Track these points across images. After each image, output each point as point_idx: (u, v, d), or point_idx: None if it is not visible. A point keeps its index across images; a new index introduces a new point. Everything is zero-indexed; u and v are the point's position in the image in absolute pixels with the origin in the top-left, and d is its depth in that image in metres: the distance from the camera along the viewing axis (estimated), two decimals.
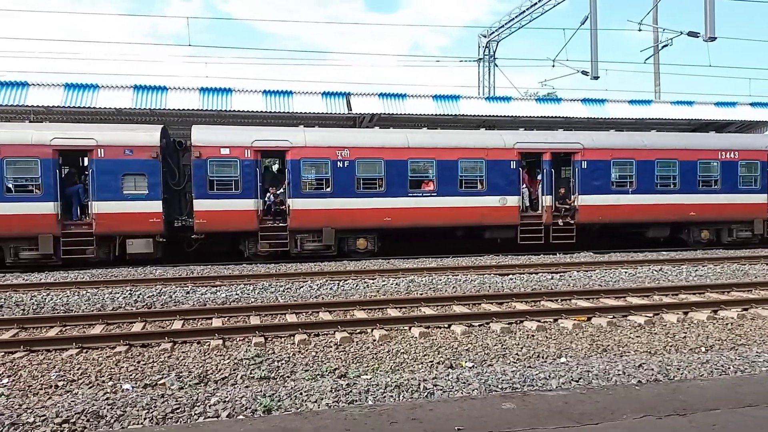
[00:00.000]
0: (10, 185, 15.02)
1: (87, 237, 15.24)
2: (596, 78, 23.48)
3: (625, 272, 13.55)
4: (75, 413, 5.11)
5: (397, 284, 12.04)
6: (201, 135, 16.12)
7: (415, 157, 17.17)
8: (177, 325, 8.87)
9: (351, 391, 5.65)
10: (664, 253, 17.66)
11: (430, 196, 17.14)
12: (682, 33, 22.38)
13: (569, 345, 7.78)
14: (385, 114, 20.45)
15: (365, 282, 12.29)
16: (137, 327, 8.73)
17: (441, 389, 5.74)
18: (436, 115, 21.04)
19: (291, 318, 9.23)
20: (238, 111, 19.49)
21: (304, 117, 20.13)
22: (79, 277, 13.27)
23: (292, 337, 8.05)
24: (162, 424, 4.96)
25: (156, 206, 15.55)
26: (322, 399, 5.48)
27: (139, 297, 10.85)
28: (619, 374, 6.21)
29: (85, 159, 16.12)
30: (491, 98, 23.20)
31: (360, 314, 9.43)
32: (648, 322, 8.94)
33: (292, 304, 9.98)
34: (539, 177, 18.13)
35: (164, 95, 19.38)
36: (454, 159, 17.27)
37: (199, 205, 15.79)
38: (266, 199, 16.70)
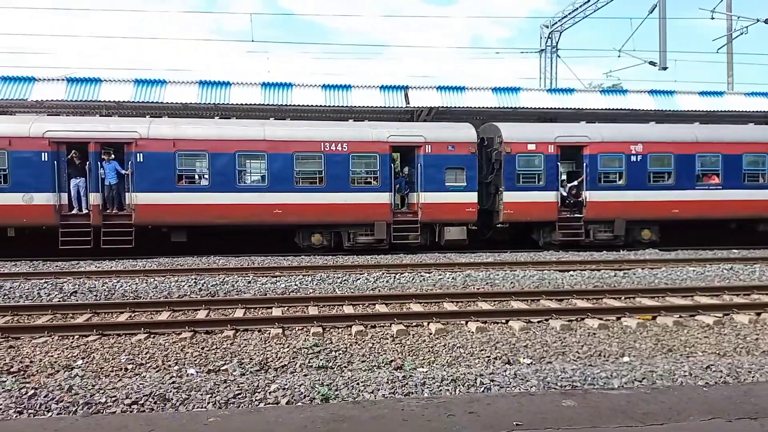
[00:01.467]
0: (355, 177, 16.68)
1: (412, 224, 16.80)
2: (665, 69, 22.64)
3: (693, 270, 13.01)
4: (143, 395, 5.35)
5: (453, 278, 11.98)
6: (511, 132, 17.42)
7: (703, 152, 17.96)
8: (239, 313, 9.13)
9: (407, 383, 5.67)
10: (735, 251, 16.85)
11: (716, 189, 17.94)
12: (758, 20, 21.26)
13: (633, 344, 7.55)
14: (443, 107, 20.32)
15: (421, 275, 12.29)
16: (201, 314, 9.03)
17: (498, 385, 5.68)
18: (495, 107, 20.74)
19: (348, 309, 9.33)
20: (298, 105, 19.81)
21: (362, 111, 20.27)
22: (147, 265, 13.83)
23: (349, 328, 8.14)
24: (225, 408, 5.12)
25: (472, 197, 17.01)
26: (378, 390, 5.52)
27: (203, 285, 11.21)
28: (685, 375, 5.98)
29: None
30: (553, 90, 22.69)
31: (416, 307, 9.44)
32: (717, 322, 8.56)
33: (349, 296, 10.09)
34: None
35: (228, 90, 19.92)
36: (738, 153, 18.05)
37: (508, 196, 17.09)
38: (562, 191, 17.75)
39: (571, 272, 12.72)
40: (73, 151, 15.50)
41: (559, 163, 17.48)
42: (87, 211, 15.56)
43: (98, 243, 15.26)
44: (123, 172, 15.61)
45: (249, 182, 16.29)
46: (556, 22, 29.16)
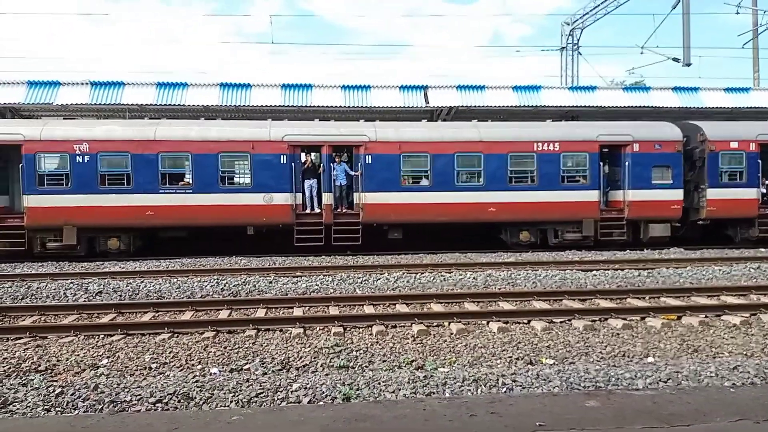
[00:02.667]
0: (565, 176, 17.09)
1: (618, 222, 17.23)
2: (688, 65, 22.30)
3: (719, 270, 12.79)
4: (167, 394, 5.41)
5: (474, 278, 11.93)
6: (714, 130, 17.66)
7: None
8: (261, 313, 9.18)
9: (428, 383, 5.66)
10: (762, 250, 16.53)
11: None
12: None
13: (657, 344, 7.44)
14: (463, 106, 20.26)
15: (442, 275, 12.25)
16: (224, 314, 9.11)
17: (520, 385, 5.64)
18: (516, 106, 20.62)
19: (368, 309, 9.34)
20: (318, 106, 19.92)
21: (382, 111, 20.29)
22: (170, 266, 14.00)
23: (369, 328, 8.15)
24: (247, 407, 5.16)
25: (678, 194, 17.35)
26: (399, 389, 5.52)
27: (225, 286, 11.31)
28: (711, 376, 5.87)
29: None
30: (574, 88, 22.48)
31: (437, 307, 9.42)
32: (744, 322, 8.39)
33: (370, 296, 10.10)
34: None
35: (248, 92, 20.11)
36: None
37: (711, 194, 17.47)
38: (762, 188, 17.93)
39: (594, 272, 12.58)
40: (311, 154, 16.64)
41: (759, 161, 17.56)
42: (319, 210, 16.45)
43: (329, 240, 16.16)
44: (352, 173, 16.54)
45: (466, 182, 16.94)
46: (577, 20, 28.89)
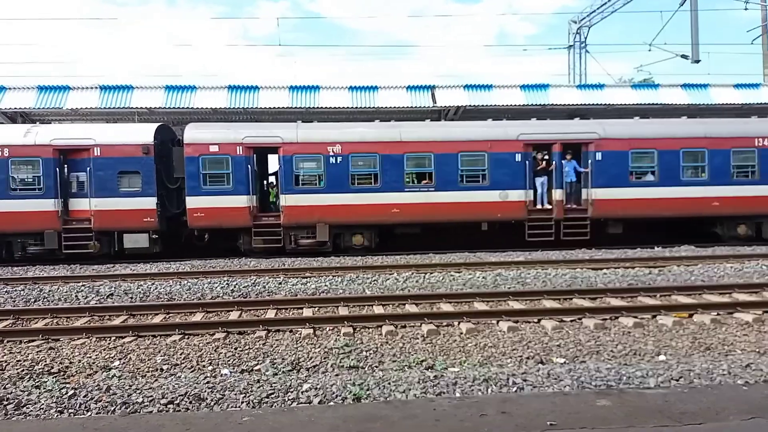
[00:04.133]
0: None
1: None
2: (697, 62, 22.15)
3: (731, 267, 12.68)
4: (179, 395, 5.44)
5: (483, 278, 11.90)
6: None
7: None
8: (270, 314, 9.21)
9: (439, 383, 5.65)
10: None
11: None
12: None
13: (669, 342, 7.39)
14: (470, 106, 20.22)
15: (451, 275, 12.23)
16: (234, 315, 9.15)
17: (531, 384, 5.63)
18: (523, 105, 20.56)
19: (378, 309, 9.34)
20: (325, 108, 19.94)
21: (389, 111, 20.28)
22: (180, 268, 14.07)
23: (379, 329, 8.15)
24: (258, 407, 5.18)
25: None
26: (410, 389, 5.52)
27: (235, 287, 11.36)
28: (723, 374, 5.83)
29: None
30: (583, 86, 22.36)
31: (446, 307, 9.41)
32: (757, 320, 8.32)
33: (379, 296, 10.10)
34: None
35: (256, 94, 20.18)
36: None
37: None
38: None
39: (605, 270, 12.52)
40: (542, 152, 16.93)
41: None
42: (550, 206, 16.90)
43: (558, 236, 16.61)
44: (581, 170, 16.92)
45: (690, 177, 17.25)
46: (584, 18, 28.76)
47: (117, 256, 16.10)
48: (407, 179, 16.58)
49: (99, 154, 15.74)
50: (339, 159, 16.30)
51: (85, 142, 15.81)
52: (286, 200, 16.23)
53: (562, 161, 16.89)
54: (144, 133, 16.13)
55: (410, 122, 18.47)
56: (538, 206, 16.86)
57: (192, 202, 16.01)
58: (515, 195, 16.64)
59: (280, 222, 16.32)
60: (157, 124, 16.67)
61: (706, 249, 16.04)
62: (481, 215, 16.75)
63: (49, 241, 15.67)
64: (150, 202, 15.94)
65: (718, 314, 8.61)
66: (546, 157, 16.97)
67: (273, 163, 17.74)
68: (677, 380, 5.72)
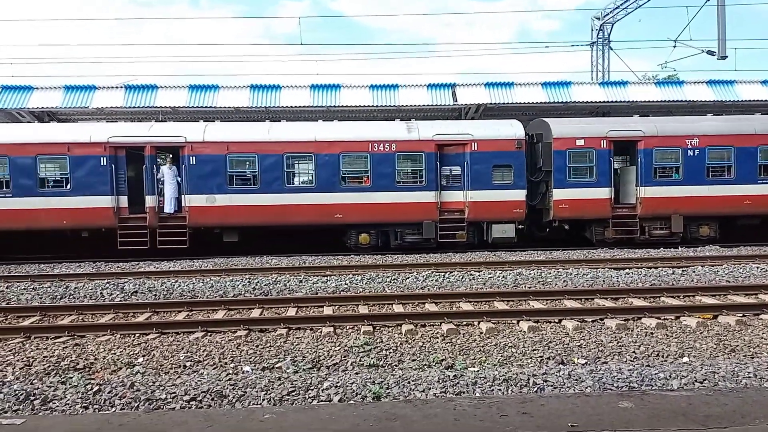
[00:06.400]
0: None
1: None
2: (723, 58, 21.72)
3: (757, 267, 12.46)
4: (201, 392, 5.51)
5: (503, 277, 11.85)
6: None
7: None
8: (291, 312, 9.28)
9: (458, 383, 5.65)
10: None
11: None
12: None
13: (692, 344, 7.28)
14: (491, 104, 20.12)
15: (471, 274, 12.20)
16: (255, 313, 9.23)
17: (552, 385, 5.59)
18: (545, 103, 20.40)
19: (398, 308, 9.36)
20: (346, 106, 20.00)
21: (410, 110, 20.28)
22: (203, 266, 14.23)
23: (399, 327, 8.16)
24: (279, 405, 5.23)
25: None
26: (429, 389, 5.52)
27: (256, 285, 11.45)
28: (749, 377, 5.74)
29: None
30: (605, 83, 22.13)
31: (466, 306, 9.39)
32: None
33: (399, 295, 10.11)
34: None
35: (278, 93, 20.31)
36: None
37: None
38: None
39: (627, 270, 12.39)
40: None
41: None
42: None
43: None
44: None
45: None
46: (608, 14, 28.37)
47: (482, 246, 16.93)
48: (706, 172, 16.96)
49: (476, 148, 16.52)
50: (696, 152, 16.89)
51: (462, 137, 16.66)
52: (645, 192, 16.83)
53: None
54: (516, 128, 17.02)
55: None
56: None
57: (558, 194, 16.81)
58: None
59: (636, 213, 16.94)
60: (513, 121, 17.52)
61: (731, 249, 15.77)
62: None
63: (427, 230, 16.43)
64: (520, 194, 16.75)
65: (743, 315, 8.47)
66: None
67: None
68: (701, 382, 5.65)
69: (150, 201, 16.08)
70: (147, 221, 16.03)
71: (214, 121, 17.76)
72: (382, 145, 16.31)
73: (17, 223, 15.67)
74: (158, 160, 16.63)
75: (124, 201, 16.05)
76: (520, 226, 17.25)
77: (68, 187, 15.84)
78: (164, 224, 16.18)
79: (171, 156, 16.72)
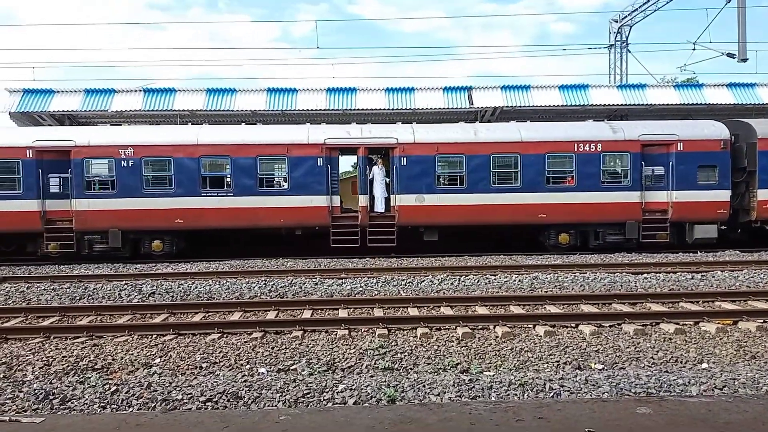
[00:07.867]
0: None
1: None
2: (744, 60, 21.45)
3: None
4: (217, 393, 5.55)
5: (519, 281, 11.77)
6: None
7: None
8: (307, 314, 9.30)
9: (474, 387, 5.62)
10: None
11: None
12: None
13: (712, 350, 7.18)
14: (507, 107, 20.05)
15: (486, 278, 12.14)
16: (271, 315, 9.26)
17: (568, 390, 5.55)
18: (562, 106, 20.27)
19: (413, 311, 9.33)
20: (361, 109, 20.04)
21: (426, 113, 20.26)
22: (220, 267, 14.32)
23: (414, 331, 8.14)
24: (295, 407, 5.25)
25: None
26: (444, 392, 5.50)
27: (272, 287, 11.50)
28: None
29: None
30: (623, 86, 21.92)
31: (482, 310, 9.34)
32: None
33: (414, 298, 10.09)
34: None
35: (294, 96, 20.41)
36: None
37: None
38: None
39: (645, 275, 12.24)
40: None
41: None
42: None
43: None
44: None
45: None
46: (626, 16, 28.14)
47: (682, 246, 16.85)
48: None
49: (681, 148, 16.53)
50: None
51: (668, 137, 16.66)
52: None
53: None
54: (720, 129, 16.86)
55: None
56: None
57: (763, 194, 16.72)
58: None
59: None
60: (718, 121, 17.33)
61: (752, 254, 15.53)
62: None
63: (630, 230, 16.51)
64: (725, 195, 16.67)
65: (764, 322, 8.32)
66: None
67: None
68: (721, 389, 5.57)
69: (362, 200, 16.40)
70: (359, 220, 16.30)
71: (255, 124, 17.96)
72: (587, 145, 16.35)
73: (238, 221, 16.12)
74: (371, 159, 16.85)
75: (336, 200, 16.40)
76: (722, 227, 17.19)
77: (286, 186, 16.24)
78: (374, 223, 16.42)
79: (381, 157, 16.94)
